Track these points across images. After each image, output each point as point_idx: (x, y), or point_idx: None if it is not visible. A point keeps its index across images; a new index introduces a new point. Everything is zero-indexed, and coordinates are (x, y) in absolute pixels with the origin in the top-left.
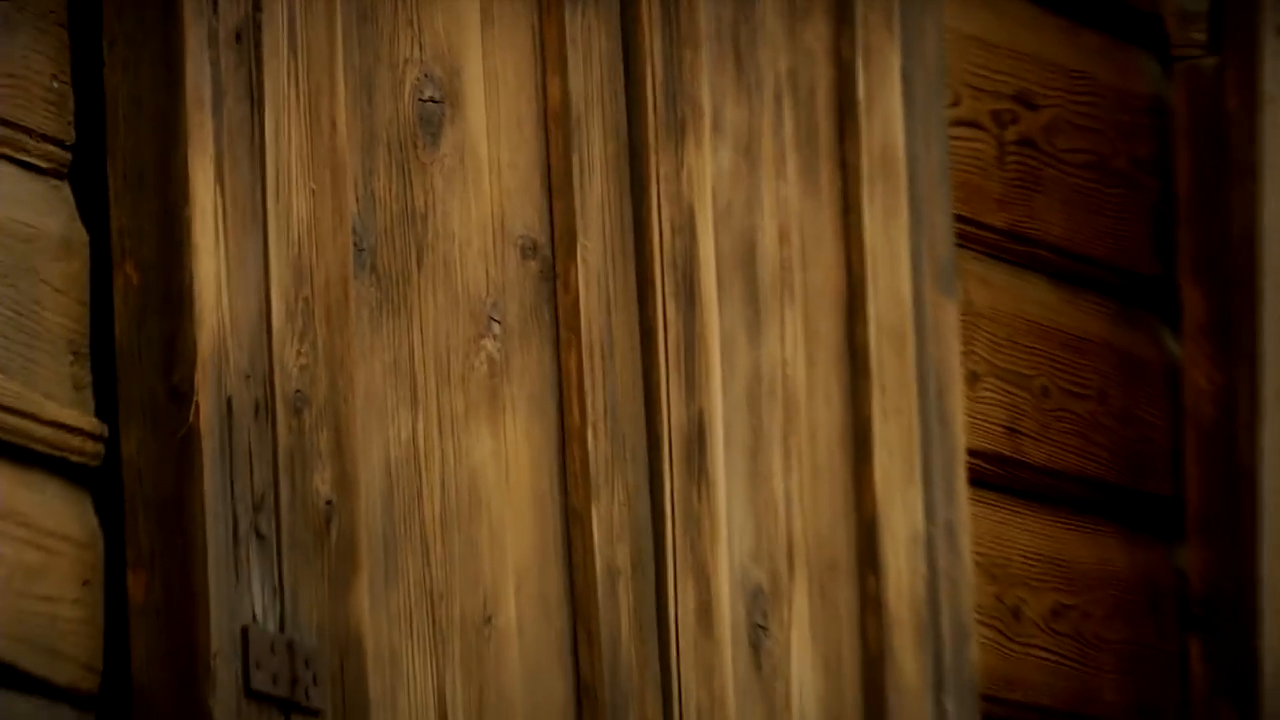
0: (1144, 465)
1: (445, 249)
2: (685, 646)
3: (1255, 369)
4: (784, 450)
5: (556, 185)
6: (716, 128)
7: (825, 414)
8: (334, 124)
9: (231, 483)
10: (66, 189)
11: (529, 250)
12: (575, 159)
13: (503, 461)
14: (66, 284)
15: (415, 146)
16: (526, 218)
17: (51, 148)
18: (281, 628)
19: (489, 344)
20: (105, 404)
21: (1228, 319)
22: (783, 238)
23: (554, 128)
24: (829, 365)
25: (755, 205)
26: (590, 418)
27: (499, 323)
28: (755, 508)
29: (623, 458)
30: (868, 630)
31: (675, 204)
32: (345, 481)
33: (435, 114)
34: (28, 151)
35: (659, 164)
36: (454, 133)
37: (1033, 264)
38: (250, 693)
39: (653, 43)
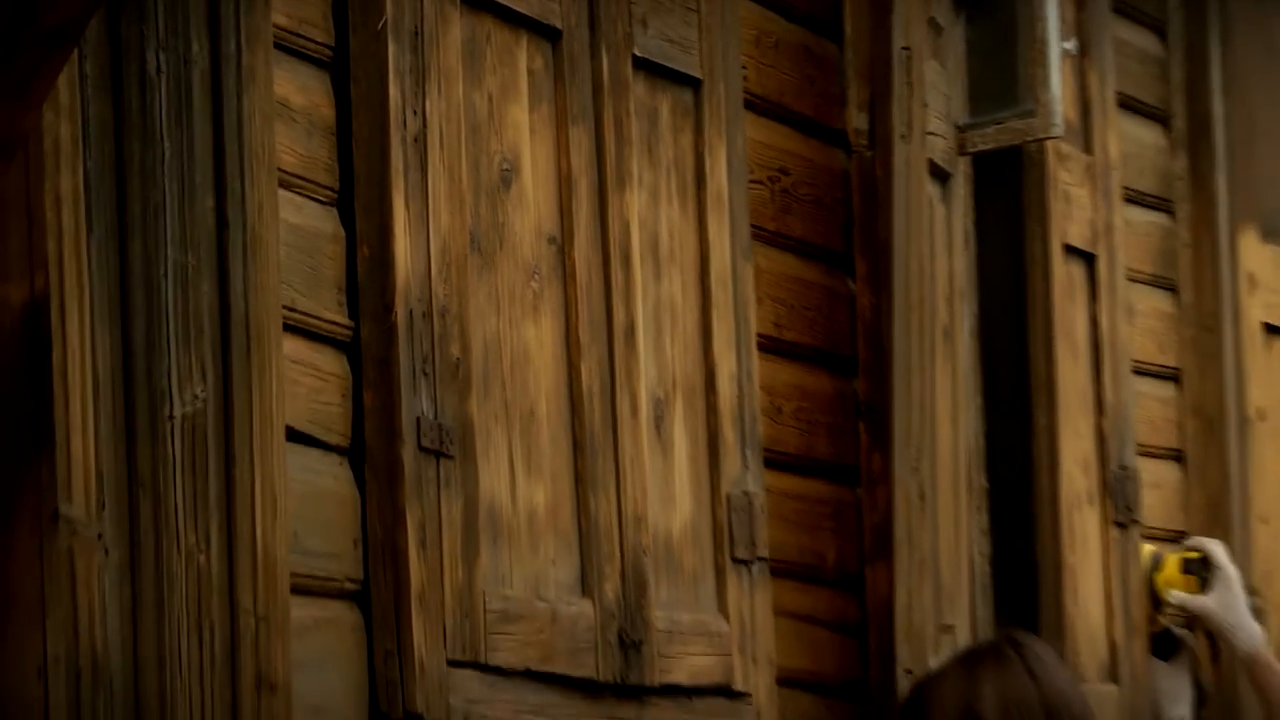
0: (840, 341)
1: (512, 240)
2: (623, 425)
3: (890, 296)
4: (671, 335)
5: (564, 210)
6: (640, 184)
7: (690, 318)
8: (461, 180)
9: (412, 350)
10: (335, 210)
11: (552, 241)
12: (573, 199)
13: (539, 341)
14: (341, 256)
15: (498, 191)
16: (551, 226)
17: (328, 190)
18: (435, 417)
19: (534, 285)
20: (352, 311)
21: (877, 273)
22: (670, 236)
23: (564, 184)
24: (692, 296)
25: (657, 221)
26: (581, 321)
27: (538, 275)
28: (657, 362)
29: (596, 340)
30: (709, 419)
31: (620, 220)
32: (465, 349)
33: (508, 176)
34: (316, 193)
35: (612, 201)
36: (516, 185)
37: (786, 248)
38: (421, 448)
39: (610, 142)
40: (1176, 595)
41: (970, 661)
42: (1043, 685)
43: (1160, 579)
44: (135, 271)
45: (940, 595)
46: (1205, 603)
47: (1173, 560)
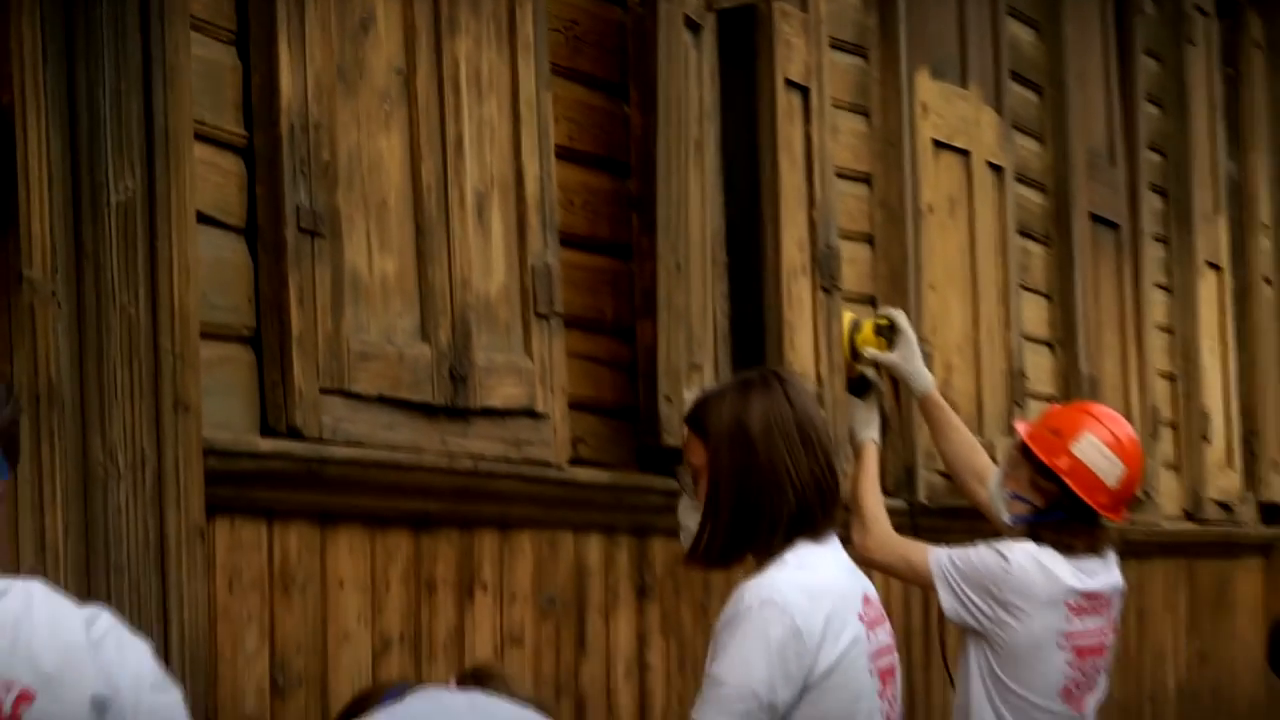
0: (617, 150)
1: (369, 73)
2: (454, 213)
3: (655, 117)
4: (490, 146)
5: (409, 50)
6: (467, 32)
7: (504, 133)
8: (330, 26)
9: (293, 154)
10: (234, 47)
11: (399, 73)
12: (416, 42)
13: (390, 149)
14: (239, 84)
15: (359, 35)
16: (400, 62)
17: (228, 31)
18: (311, 206)
19: (386, 107)
20: (248, 124)
21: (646, 100)
22: (489, 70)
23: (409, 30)
24: (506, 117)
25: (479, 60)
26: (421, 134)
27: (389, 99)
28: (479, 166)
29: (433, 149)
30: (519, 209)
31: (451, 58)
32: (333, 154)
33: (367, 24)
34: (220, 34)
35: (446, 44)
36: (373, 31)
37: (577, 80)
38: (300, 229)
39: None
40: (870, 352)
41: (743, 386)
42: (797, 408)
43: (859, 339)
44: (81, 92)
45: (691, 342)
46: (891, 357)
47: (868, 325)
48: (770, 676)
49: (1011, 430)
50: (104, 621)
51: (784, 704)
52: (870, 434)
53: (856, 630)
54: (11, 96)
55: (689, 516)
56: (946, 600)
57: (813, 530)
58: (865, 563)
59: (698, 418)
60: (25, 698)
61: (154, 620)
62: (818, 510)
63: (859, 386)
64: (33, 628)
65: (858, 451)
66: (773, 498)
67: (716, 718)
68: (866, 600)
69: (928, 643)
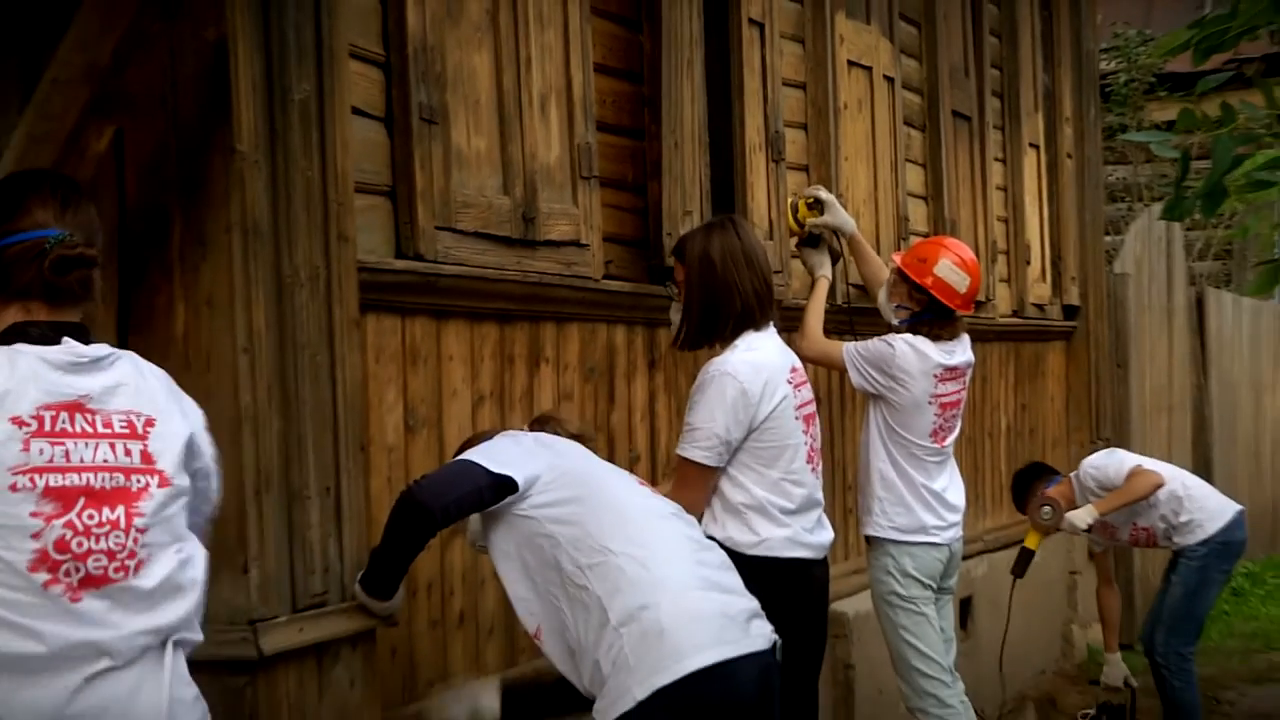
0: (634, 64)
1: (467, 11)
2: (525, 109)
3: (660, 43)
4: (549, 62)
5: None
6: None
7: (558, 53)
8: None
9: (417, 67)
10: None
11: (488, 12)
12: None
13: (482, 65)
14: (379, 18)
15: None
16: (491, 7)
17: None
18: (428, 102)
19: (478, 35)
20: (385, 47)
21: (654, 31)
22: (549, 10)
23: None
24: (559, 43)
25: (544, 4)
26: (502, 54)
27: (480, 29)
28: (542, 76)
29: (510, 64)
30: (569, 106)
31: (524, 3)
32: (443, 67)
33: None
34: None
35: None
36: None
37: (607, 17)
38: (421, 119)
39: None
40: (812, 221)
41: (708, 228)
42: (744, 242)
43: (800, 215)
44: (274, 24)
45: (684, 196)
46: (825, 219)
47: (801, 203)
48: (727, 423)
49: None
50: (171, 380)
51: (736, 440)
52: (823, 272)
53: (786, 391)
54: (226, 26)
55: (675, 314)
56: (854, 376)
57: (754, 324)
58: (803, 358)
59: (679, 249)
60: (150, 423)
61: (326, 381)
62: (757, 310)
63: (812, 241)
64: (145, 377)
65: (814, 284)
66: (727, 302)
67: (692, 451)
68: (793, 369)
69: (843, 405)
